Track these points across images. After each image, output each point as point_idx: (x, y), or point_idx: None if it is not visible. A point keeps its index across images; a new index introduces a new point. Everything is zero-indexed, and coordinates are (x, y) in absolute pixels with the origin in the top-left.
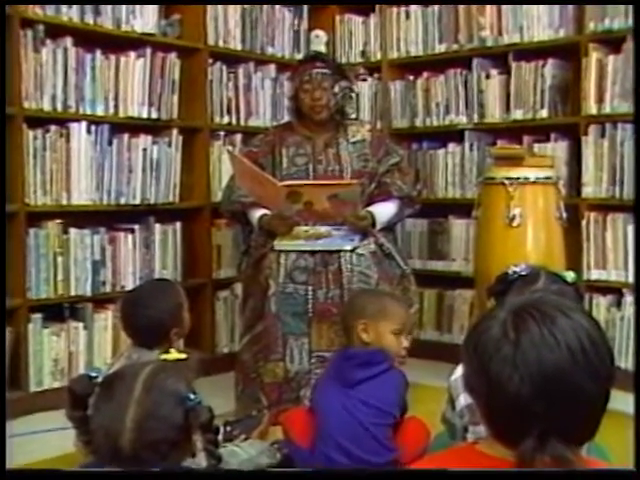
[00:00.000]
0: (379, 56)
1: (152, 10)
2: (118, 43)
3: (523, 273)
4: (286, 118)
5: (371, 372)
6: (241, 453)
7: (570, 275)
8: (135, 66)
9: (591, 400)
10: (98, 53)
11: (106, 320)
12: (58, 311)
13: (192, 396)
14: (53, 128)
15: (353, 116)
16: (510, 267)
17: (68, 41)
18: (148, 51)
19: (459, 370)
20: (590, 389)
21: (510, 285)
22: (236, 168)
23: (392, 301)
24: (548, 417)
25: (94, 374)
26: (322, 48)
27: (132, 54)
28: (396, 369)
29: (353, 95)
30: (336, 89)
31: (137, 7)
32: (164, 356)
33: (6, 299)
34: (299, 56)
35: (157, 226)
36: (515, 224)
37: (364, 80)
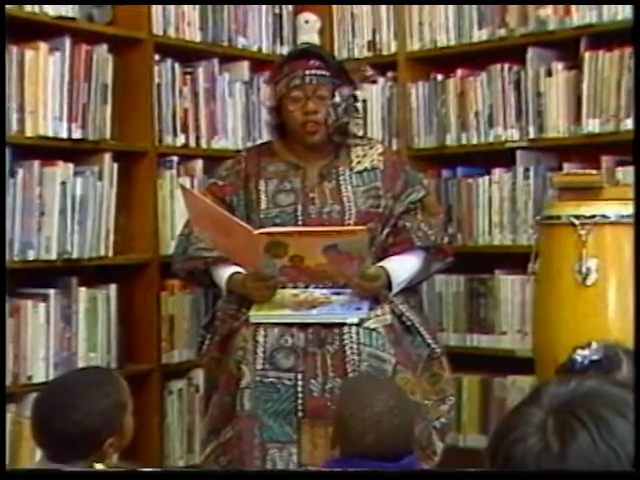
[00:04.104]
0: (394, 48)
1: None
2: (22, 30)
3: (595, 358)
4: (265, 137)
5: None
6: None
7: None
8: (48, 63)
9: None
10: None
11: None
12: None
13: None
14: None
15: (359, 133)
16: (577, 351)
17: None
18: (67, 42)
19: None
20: None
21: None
22: (192, 209)
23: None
24: None
25: None
26: (314, 37)
27: (43, 46)
28: None
29: (359, 105)
30: (337, 99)
31: None
32: None
33: None
34: (282, 50)
35: (82, 290)
36: (590, 282)
37: (373, 82)
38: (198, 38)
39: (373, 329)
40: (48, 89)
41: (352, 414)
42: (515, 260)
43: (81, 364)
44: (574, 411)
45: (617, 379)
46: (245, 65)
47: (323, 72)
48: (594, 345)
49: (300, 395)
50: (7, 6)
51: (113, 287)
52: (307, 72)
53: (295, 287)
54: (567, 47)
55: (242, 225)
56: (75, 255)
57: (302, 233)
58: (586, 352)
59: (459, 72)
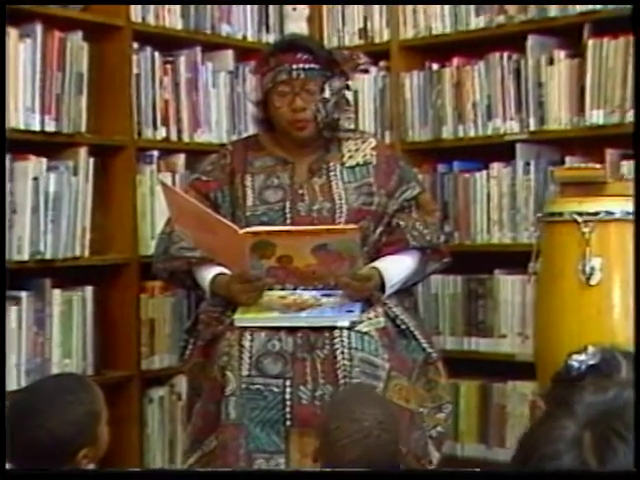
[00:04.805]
0: (387, 36)
1: None
2: None
3: (592, 362)
4: (251, 130)
5: None
6: None
7: None
8: (18, 50)
9: None
10: None
11: None
12: None
13: None
14: None
15: (350, 126)
16: (572, 357)
17: None
18: (38, 28)
19: None
20: None
21: (576, 384)
22: (173, 207)
23: None
24: None
25: None
26: (302, 26)
27: (13, 32)
28: None
29: (350, 96)
30: (326, 93)
31: None
32: None
33: None
34: (268, 38)
35: (56, 293)
36: (594, 282)
37: (365, 72)
38: (179, 25)
39: (365, 333)
40: (19, 78)
41: (339, 427)
42: (515, 259)
43: (55, 371)
44: (613, 424)
45: (619, 381)
46: (229, 54)
47: (312, 65)
48: (590, 349)
49: (288, 403)
50: None
51: (89, 289)
52: (294, 66)
53: (283, 289)
54: (569, 34)
55: (227, 224)
56: (49, 255)
57: (290, 232)
58: (582, 357)
59: (455, 61)
